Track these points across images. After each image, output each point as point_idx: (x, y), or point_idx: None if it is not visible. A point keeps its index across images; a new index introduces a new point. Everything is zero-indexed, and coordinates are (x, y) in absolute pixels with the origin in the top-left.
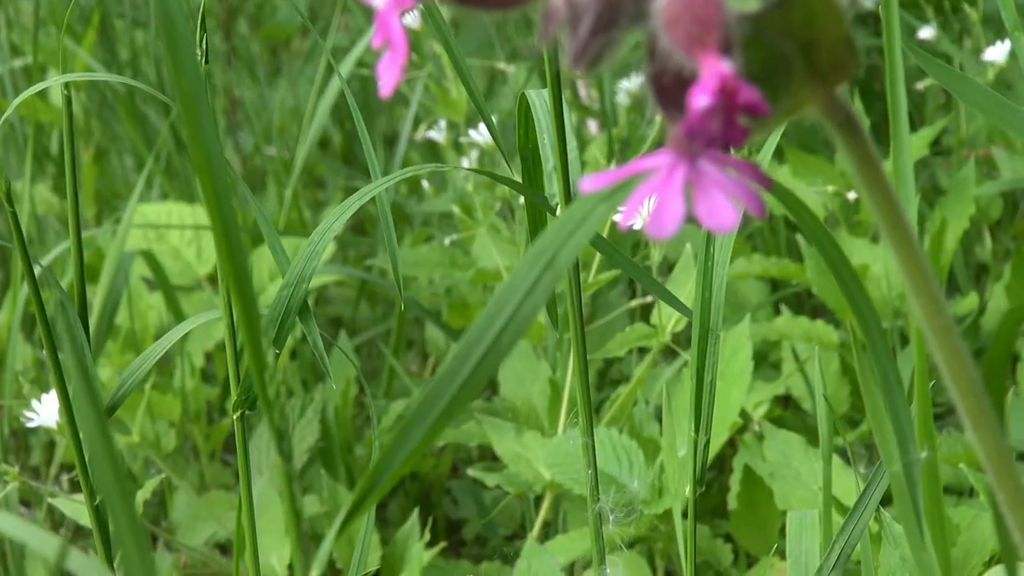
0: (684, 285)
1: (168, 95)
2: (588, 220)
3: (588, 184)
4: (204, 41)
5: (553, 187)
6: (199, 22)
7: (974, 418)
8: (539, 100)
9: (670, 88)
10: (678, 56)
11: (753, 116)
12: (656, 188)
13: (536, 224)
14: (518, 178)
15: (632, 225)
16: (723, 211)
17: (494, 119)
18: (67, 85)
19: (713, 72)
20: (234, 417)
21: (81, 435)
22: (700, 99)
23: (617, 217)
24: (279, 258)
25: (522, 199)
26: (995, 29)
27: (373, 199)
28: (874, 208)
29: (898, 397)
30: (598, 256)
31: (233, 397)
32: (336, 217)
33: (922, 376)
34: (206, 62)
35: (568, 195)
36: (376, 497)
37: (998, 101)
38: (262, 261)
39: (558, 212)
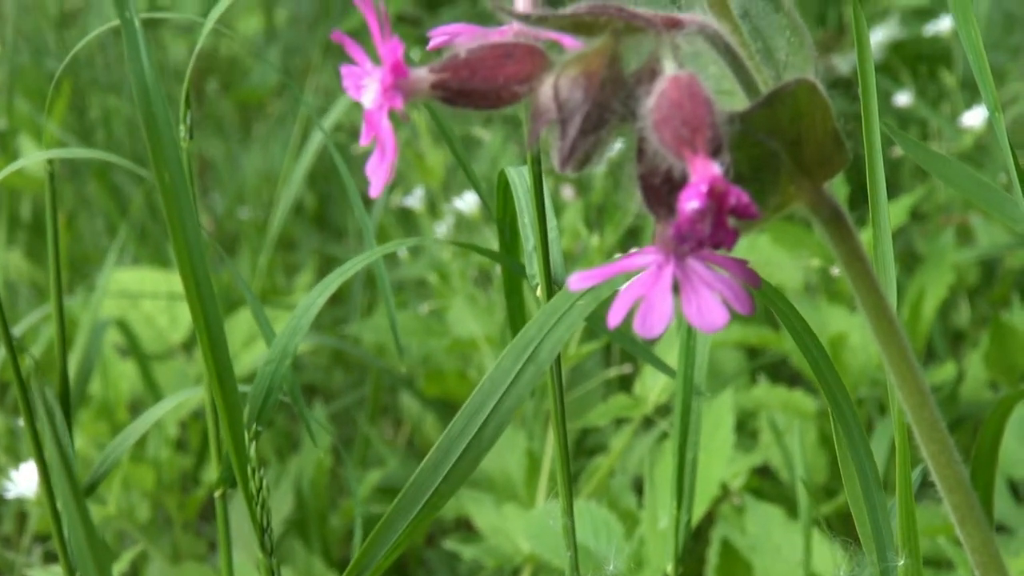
0: (666, 357)
1: (142, 161)
2: (570, 313)
3: (577, 282)
4: (188, 118)
5: (533, 267)
6: (183, 98)
7: (960, 513)
8: (519, 179)
9: (658, 189)
10: (667, 157)
11: (742, 218)
12: (644, 288)
13: (514, 295)
14: (494, 245)
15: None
16: (712, 311)
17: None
18: (49, 161)
19: (703, 175)
20: (216, 496)
21: (59, 509)
22: (690, 203)
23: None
24: (267, 334)
25: (499, 268)
26: (972, 93)
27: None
28: (862, 301)
29: (879, 508)
30: (579, 328)
31: (212, 469)
32: (319, 294)
33: (905, 477)
34: (190, 138)
35: (548, 277)
36: None
37: (971, 177)
38: (235, 329)
39: (538, 292)
